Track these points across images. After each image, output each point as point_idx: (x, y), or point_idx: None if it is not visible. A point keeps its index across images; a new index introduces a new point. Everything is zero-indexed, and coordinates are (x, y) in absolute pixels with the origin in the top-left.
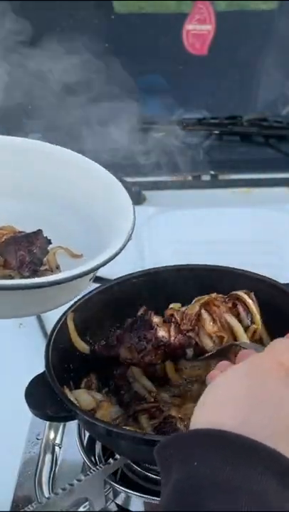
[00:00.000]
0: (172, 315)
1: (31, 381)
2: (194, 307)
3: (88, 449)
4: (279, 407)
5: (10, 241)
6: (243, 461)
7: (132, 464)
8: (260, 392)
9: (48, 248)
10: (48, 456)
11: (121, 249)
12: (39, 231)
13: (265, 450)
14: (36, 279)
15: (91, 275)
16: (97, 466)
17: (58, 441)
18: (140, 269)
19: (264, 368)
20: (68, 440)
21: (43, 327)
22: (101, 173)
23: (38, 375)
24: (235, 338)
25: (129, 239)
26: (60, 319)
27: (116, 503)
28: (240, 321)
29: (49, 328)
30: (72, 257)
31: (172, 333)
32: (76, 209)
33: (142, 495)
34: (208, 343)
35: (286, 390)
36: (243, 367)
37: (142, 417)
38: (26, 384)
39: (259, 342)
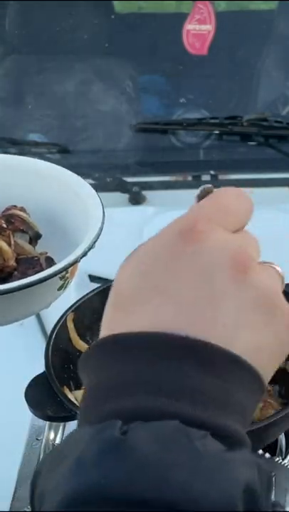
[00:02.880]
0: None
1: (31, 381)
2: None
3: None
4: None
5: None
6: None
7: None
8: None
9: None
10: None
11: (79, 258)
12: None
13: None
14: None
15: (58, 285)
16: None
17: (57, 441)
18: None
19: (199, 228)
20: None
21: (43, 327)
22: (66, 177)
23: (38, 375)
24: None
25: (92, 246)
26: (60, 319)
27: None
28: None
29: (49, 328)
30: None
31: None
32: (44, 215)
33: None
34: None
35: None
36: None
37: None
38: (26, 384)
39: None
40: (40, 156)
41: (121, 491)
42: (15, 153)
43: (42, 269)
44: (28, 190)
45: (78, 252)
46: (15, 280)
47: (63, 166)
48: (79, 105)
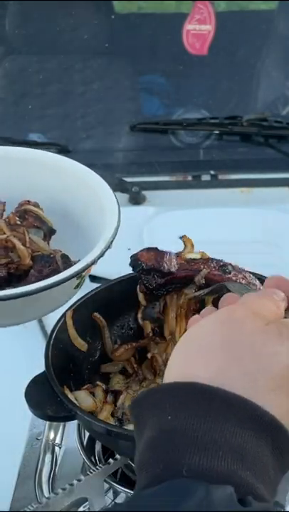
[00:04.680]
0: None
1: (31, 381)
2: None
3: (88, 449)
4: (257, 357)
5: None
6: (216, 414)
7: (132, 463)
8: (235, 341)
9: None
10: (48, 456)
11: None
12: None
13: (239, 401)
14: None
15: (75, 284)
16: (97, 466)
17: (57, 441)
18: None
19: (238, 316)
20: (68, 440)
21: (43, 327)
22: (85, 175)
23: (38, 375)
24: None
25: (109, 246)
26: (60, 319)
27: (116, 503)
28: None
29: (49, 328)
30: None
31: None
32: (64, 215)
33: None
34: None
35: (263, 338)
36: (218, 315)
37: None
38: (26, 384)
39: None
40: None
41: None
42: None
43: (58, 267)
44: (42, 184)
45: (96, 252)
46: (31, 279)
47: None
48: (79, 105)
